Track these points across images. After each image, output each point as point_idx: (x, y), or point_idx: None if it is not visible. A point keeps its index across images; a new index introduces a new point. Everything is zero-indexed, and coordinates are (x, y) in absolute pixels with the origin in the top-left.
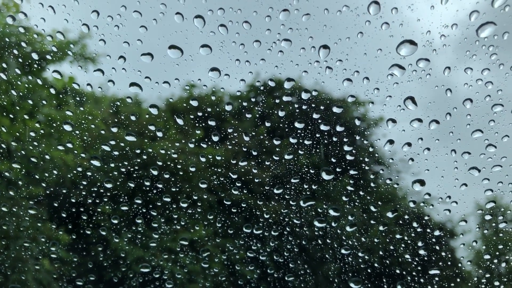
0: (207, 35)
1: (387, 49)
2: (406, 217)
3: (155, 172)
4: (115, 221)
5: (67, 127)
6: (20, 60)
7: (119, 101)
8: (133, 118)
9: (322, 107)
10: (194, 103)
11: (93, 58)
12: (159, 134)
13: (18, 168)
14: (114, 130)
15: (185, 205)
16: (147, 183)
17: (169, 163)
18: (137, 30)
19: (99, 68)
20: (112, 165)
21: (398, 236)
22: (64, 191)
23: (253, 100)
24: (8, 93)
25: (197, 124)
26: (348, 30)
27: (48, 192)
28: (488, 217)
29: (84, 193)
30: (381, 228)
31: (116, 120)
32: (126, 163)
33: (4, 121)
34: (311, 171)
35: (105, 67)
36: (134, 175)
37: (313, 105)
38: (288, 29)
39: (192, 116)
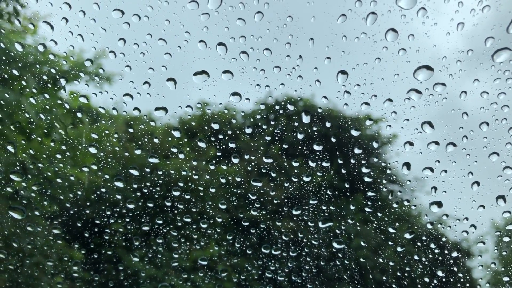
0: (229, 61)
1: (404, 74)
2: (424, 238)
3: (175, 193)
4: (129, 239)
5: (93, 150)
6: (37, 79)
7: (140, 123)
8: (156, 140)
9: (340, 130)
10: (215, 126)
11: (109, 78)
12: (181, 156)
13: (34, 187)
14: (138, 152)
15: (205, 225)
16: (168, 203)
17: (183, 183)
18: (162, 56)
19: (128, 93)
20: (130, 186)
21: (415, 257)
22: (78, 208)
23: (272, 123)
24: (25, 111)
25: (213, 144)
26: (366, 56)
27: (62, 209)
28: (506, 239)
29: (98, 210)
30: (398, 249)
31: (138, 142)
32: (143, 184)
33: (20, 139)
34: (329, 193)
35: (131, 91)
36: (153, 195)
37: (330, 128)
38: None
39: (208, 135)
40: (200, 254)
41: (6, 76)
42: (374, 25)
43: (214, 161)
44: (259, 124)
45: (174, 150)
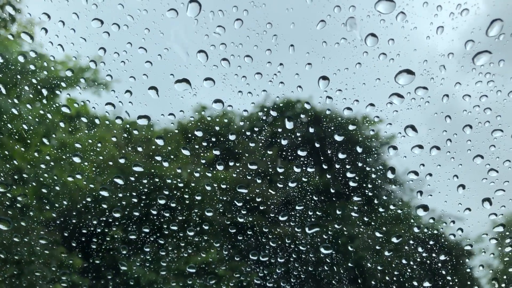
0: (210, 68)
1: (385, 79)
2: (411, 242)
3: (161, 201)
4: (127, 246)
5: (76, 159)
6: (33, 86)
7: (132, 129)
8: (139, 149)
9: (323, 135)
10: (199, 133)
11: (105, 84)
12: (165, 164)
13: (30, 193)
14: (122, 161)
15: (191, 233)
16: (154, 211)
17: (169, 189)
18: (143, 65)
19: (110, 102)
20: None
21: (403, 261)
22: (76, 216)
23: (256, 129)
24: (21, 119)
25: (205, 148)
26: (347, 61)
27: (60, 217)
28: (493, 241)
29: (95, 217)
30: (386, 253)
31: (126, 149)
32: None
33: (18, 146)
34: (315, 198)
35: (113, 100)
36: (143, 203)
37: (314, 133)
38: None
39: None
40: (192, 260)
41: (1, 83)
42: (354, 31)
43: (199, 168)
44: (254, 128)
45: (158, 158)
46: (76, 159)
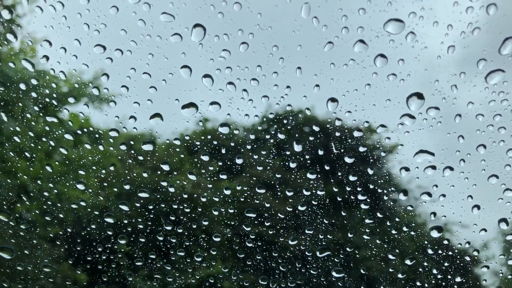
0: (216, 92)
1: (396, 99)
2: (425, 264)
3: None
4: (133, 260)
5: (80, 186)
6: (37, 102)
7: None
8: (145, 174)
9: (333, 156)
10: (205, 158)
11: (108, 98)
12: (171, 188)
13: (36, 208)
14: (127, 187)
15: (199, 259)
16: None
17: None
18: (147, 90)
19: (114, 128)
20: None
21: (418, 284)
22: (81, 230)
23: (263, 153)
24: (26, 134)
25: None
26: (356, 82)
27: (65, 232)
28: (511, 262)
29: (101, 231)
30: (399, 276)
31: (131, 174)
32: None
33: (21, 162)
34: (325, 221)
35: (117, 126)
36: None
37: (323, 155)
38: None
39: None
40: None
41: (5, 99)
42: (363, 52)
43: (205, 193)
44: (261, 151)
45: (164, 183)
46: (80, 186)
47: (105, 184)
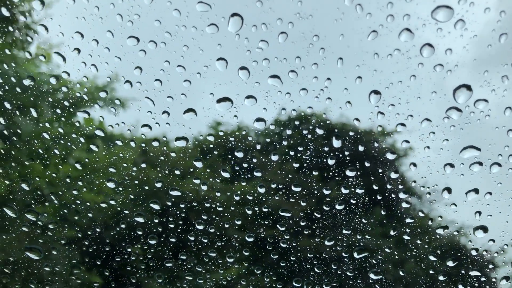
0: (252, 86)
1: (442, 91)
2: (469, 266)
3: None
4: (148, 262)
5: (111, 184)
6: (52, 106)
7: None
8: (177, 172)
9: (373, 153)
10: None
11: (122, 102)
12: (204, 187)
13: (51, 212)
14: (158, 185)
15: (231, 260)
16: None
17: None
18: (181, 84)
19: (147, 124)
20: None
21: (460, 287)
22: (97, 233)
23: (300, 148)
24: (41, 139)
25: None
26: (400, 74)
27: (81, 235)
28: None
29: (116, 234)
30: (441, 278)
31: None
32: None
33: (37, 166)
34: (364, 221)
35: (150, 122)
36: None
37: (363, 152)
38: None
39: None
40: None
41: (22, 104)
42: (408, 41)
43: (239, 191)
44: (298, 147)
45: (197, 181)
46: (110, 184)
47: (136, 182)
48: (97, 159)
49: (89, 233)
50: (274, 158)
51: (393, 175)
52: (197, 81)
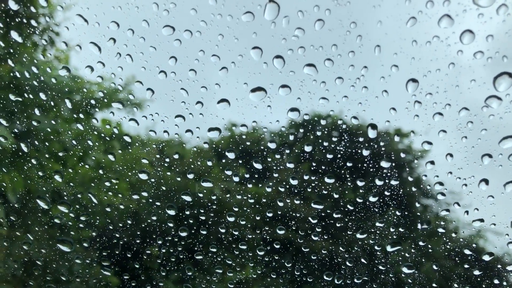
0: (287, 75)
1: (481, 80)
2: (506, 260)
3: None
4: (164, 263)
5: (143, 176)
6: (71, 107)
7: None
8: (209, 163)
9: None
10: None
11: (139, 104)
12: (236, 179)
13: (69, 212)
14: (190, 176)
15: (261, 253)
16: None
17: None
18: (216, 73)
19: (180, 114)
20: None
21: (495, 281)
22: (114, 233)
23: (334, 139)
24: (60, 139)
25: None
26: (438, 62)
27: (98, 235)
28: None
29: (133, 234)
30: (476, 272)
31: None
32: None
33: (56, 166)
34: (397, 213)
35: (183, 112)
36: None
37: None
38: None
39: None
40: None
41: (41, 104)
42: (448, 28)
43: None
44: (332, 138)
45: (229, 172)
46: (143, 176)
47: (168, 173)
48: (130, 150)
49: (120, 225)
50: (308, 149)
51: (429, 166)
52: (231, 70)
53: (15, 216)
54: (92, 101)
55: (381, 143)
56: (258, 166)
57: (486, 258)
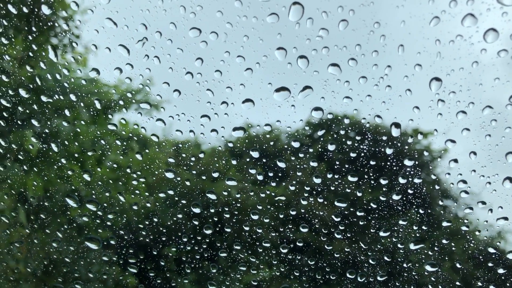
0: (311, 75)
1: (505, 78)
2: None
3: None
4: (189, 260)
5: (169, 174)
6: (89, 110)
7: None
8: (234, 162)
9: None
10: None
11: (156, 105)
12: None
13: (97, 210)
14: (215, 175)
15: (285, 250)
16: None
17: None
18: (241, 74)
19: (206, 114)
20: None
21: None
22: (131, 234)
23: (358, 138)
24: (79, 141)
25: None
26: (462, 60)
27: (116, 235)
28: None
29: (150, 235)
30: (500, 271)
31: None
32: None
33: (74, 168)
34: (421, 211)
35: (209, 112)
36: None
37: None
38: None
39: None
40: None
41: (61, 106)
42: (471, 27)
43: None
44: (355, 137)
45: (253, 171)
46: (169, 174)
47: (194, 172)
48: (157, 149)
49: (147, 222)
50: (331, 147)
51: (452, 164)
52: (256, 71)
53: (36, 217)
54: (121, 102)
55: (405, 142)
56: (281, 164)
57: (511, 256)
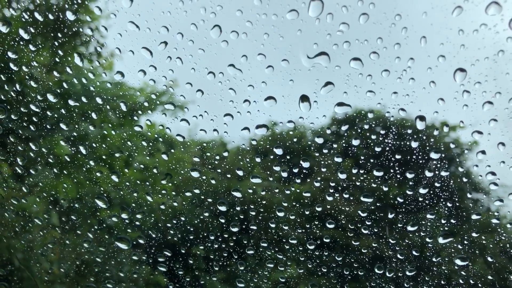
0: (332, 70)
1: None
2: None
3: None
4: (217, 258)
5: (195, 174)
6: (115, 112)
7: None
8: (257, 159)
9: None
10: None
11: (180, 106)
12: (284, 174)
13: (117, 213)
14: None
15: (311, 247)
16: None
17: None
18: (262, 72)
19: (229, 113)
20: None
21: None
22: (160, 233)
23: (382, 132)
24: (105, 144)
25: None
26: (487, 50)
27: (145, 235)
28: None
29: (178, 234)
30: None
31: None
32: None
33: (103, 170)
34: (449, 205)
35: (231, 111)
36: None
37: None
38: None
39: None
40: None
41: (88, 110)
42: (496, 15)
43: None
44: (380, 131)
45: (277, 168)
46: (195, 174)
47: (219, 170)
48: (182, 149)
49: (174, 221)
50: (355, 142)
51: (480, 156)
52: (277, 68)
53: (67, 219)
54: (146, 104)
55: (430, 135)
56: (305, 161)
57: None
